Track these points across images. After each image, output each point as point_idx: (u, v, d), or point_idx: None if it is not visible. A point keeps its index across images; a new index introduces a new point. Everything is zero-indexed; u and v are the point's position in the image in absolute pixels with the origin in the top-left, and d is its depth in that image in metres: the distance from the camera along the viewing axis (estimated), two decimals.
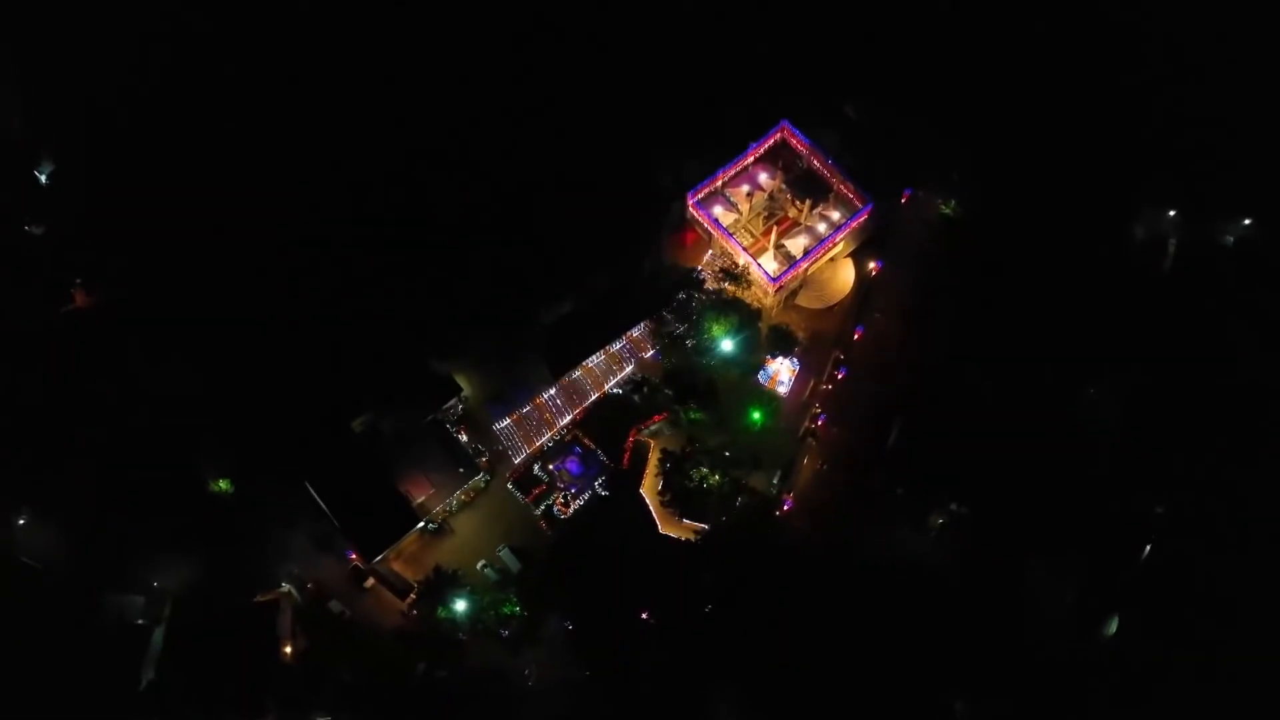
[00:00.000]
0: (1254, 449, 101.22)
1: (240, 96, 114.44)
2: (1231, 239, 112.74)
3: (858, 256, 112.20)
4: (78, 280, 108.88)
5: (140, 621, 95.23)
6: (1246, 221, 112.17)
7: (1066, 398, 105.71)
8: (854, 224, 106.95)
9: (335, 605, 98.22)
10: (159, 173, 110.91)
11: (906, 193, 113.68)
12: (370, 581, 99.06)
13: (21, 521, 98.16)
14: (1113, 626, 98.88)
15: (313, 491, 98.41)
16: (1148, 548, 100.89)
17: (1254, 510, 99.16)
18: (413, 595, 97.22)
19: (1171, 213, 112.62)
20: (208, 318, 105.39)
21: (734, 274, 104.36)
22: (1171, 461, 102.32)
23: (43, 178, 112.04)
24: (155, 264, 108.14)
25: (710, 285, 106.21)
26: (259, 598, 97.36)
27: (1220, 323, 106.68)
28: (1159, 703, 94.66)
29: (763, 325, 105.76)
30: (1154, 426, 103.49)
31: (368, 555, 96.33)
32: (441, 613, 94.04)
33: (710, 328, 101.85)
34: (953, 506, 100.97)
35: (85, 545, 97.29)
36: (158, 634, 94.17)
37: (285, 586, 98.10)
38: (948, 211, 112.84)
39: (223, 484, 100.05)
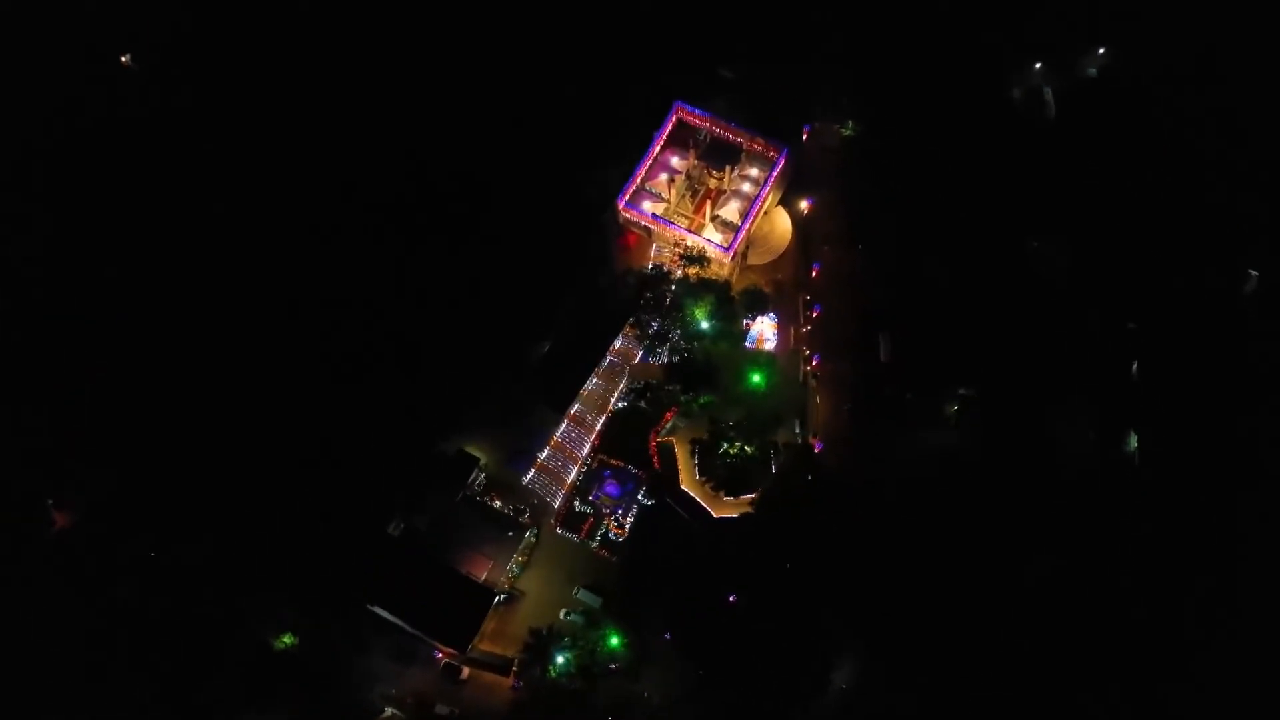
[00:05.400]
0: (1195, 246, 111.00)
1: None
2: (1094, 69, 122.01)
3: (787, 202, 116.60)
4: (49, 501, 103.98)
5: None
6: (1101, 51, 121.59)
7: (1015, 256, 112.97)
8: (777, 173, 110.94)
9: (442, 708, 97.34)
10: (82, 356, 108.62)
11: (806, 129, 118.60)
12: (465, 672, 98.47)
13: None
14: (1133, 443, 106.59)
15: (379, 611, 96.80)
16: (1135, 364, 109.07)
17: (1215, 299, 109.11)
18: (514, 668, 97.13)
19: (1038, 65, 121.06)
20: (199, 485, 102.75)
21: (692, 257, 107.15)
22: (1126, 280, 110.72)
23: None
24: (123, 460, 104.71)
25: (677, 274, 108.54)
26: None
27: (1119, 143, 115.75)
28: (1189, 506, 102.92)
29: (733, 294, 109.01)
30: (1100, 256, 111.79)
31: (461, 646, 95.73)
32: (552, 672, 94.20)
33: (692, 313, 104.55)
34: (961, 391, 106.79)
35: None
36: None
37: (387, 711, 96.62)
38: (848, 133, 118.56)
39: (286, 639, 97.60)
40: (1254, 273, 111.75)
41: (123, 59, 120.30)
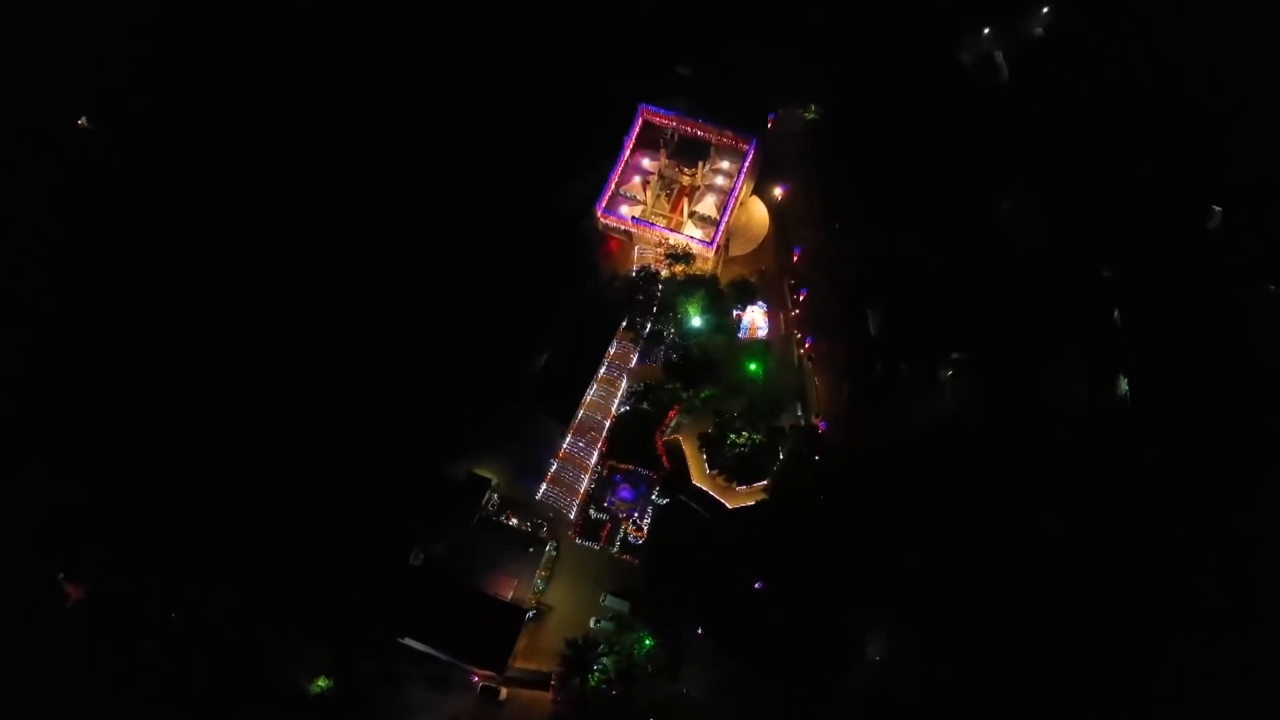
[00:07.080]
0: (1158, 189, 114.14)
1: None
2: (1041, 29, 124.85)
3: (760, 191, 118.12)
4: (60, 576, 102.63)
5: None
6: (1045, 10, 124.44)
7: (988, 219, 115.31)
8: (748, 164, 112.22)
9: None
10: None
11: (770, 117, 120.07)
12: (504, 693, 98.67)
13: None
14: (1124, 386, 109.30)
15: (411, 643, 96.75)
16: (1116, 312, 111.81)
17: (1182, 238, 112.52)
18: (553, 681, 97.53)
19: (985, 30, 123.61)
20: (210, 538, 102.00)
21: (677, 255, 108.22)
22: (1097, 230, 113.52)
23: None
24: (128, 531, 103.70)
25: (663, 274, 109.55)
26: None
27: (1073, 97, 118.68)
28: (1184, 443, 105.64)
29: (721, 287, 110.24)
30: (1069, 209, 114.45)
31: (497, 668, 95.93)
32: (592, 681, 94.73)
33: (683, 310, 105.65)
34: (954, 356, 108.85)
35: None
36: None
37: None
38: (811, 116, 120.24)
39: (321, 683, 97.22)
40: (1217, 208, 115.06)
41: (80, 121, 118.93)
